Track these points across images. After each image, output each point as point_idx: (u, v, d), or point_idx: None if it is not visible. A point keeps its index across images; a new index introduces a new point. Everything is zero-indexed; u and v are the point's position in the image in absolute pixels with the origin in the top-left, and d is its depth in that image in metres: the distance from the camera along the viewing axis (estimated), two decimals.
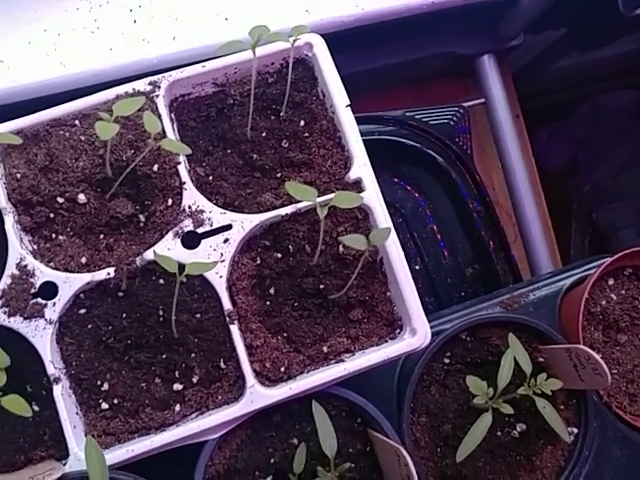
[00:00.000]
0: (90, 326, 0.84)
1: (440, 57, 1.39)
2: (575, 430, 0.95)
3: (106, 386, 0.84)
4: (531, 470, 0.93)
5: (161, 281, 0.85)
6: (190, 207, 0.86)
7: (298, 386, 0.83)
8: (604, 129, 1.82)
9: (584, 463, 0.92)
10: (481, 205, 1.28)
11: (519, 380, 0.90)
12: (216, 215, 0.86)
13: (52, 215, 0.86)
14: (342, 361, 0.87)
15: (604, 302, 1.03)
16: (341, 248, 0.88)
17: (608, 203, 1.73)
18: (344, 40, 1.06)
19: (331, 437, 0.82)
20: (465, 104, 1.45)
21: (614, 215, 1.71)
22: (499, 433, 0.94)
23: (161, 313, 0.84)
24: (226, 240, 0.86)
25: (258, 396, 0.82)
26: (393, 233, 0.87)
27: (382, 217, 0.88)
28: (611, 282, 1.05)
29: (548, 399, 0.88)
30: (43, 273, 0.83)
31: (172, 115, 0.92)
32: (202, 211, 0.86)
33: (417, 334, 0.86)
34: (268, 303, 0.88)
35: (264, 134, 0.92)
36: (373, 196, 0.88)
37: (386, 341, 0.88)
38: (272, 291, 0.88)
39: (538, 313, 1.03)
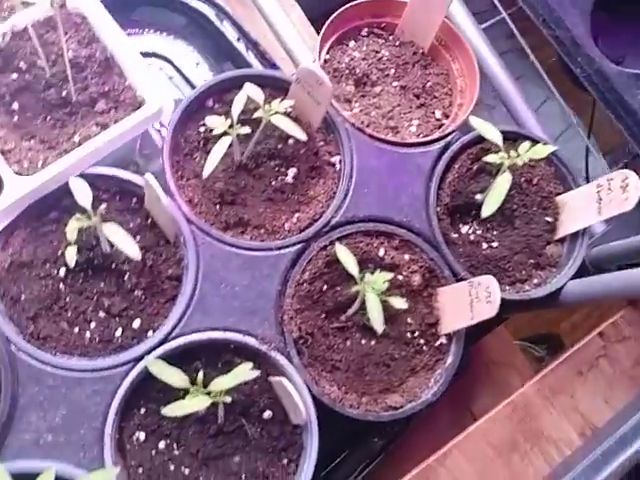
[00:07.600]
0: None
1: None
2: (338, 157, 1.04)
3: None
4: (308, 202, 1.01)
5: None
6: None
7: (53, 168, 0.91)
8: None
9: (350, 178, 1.01)
10: None
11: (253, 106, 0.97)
12: None
13: None
14: None
15: (347, 60, 1.13)
16: (71, 53, 0.97)
17: None
18: None
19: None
20: None
21: None
22: (274, 182, 1.02)
23: None
24: None
25: (19, 184, 0.89)
26: (119, 31, 0.98)
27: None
28: (352, 44, 1.16)
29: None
30: None
31: None
32: None
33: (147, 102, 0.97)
34: (16, 118, 0.95)
35: None
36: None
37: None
38: (16, 106, 0.95)
39: None
